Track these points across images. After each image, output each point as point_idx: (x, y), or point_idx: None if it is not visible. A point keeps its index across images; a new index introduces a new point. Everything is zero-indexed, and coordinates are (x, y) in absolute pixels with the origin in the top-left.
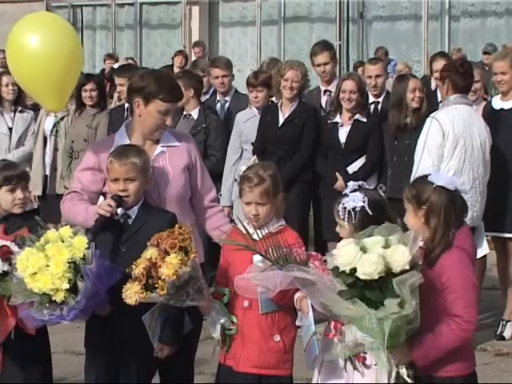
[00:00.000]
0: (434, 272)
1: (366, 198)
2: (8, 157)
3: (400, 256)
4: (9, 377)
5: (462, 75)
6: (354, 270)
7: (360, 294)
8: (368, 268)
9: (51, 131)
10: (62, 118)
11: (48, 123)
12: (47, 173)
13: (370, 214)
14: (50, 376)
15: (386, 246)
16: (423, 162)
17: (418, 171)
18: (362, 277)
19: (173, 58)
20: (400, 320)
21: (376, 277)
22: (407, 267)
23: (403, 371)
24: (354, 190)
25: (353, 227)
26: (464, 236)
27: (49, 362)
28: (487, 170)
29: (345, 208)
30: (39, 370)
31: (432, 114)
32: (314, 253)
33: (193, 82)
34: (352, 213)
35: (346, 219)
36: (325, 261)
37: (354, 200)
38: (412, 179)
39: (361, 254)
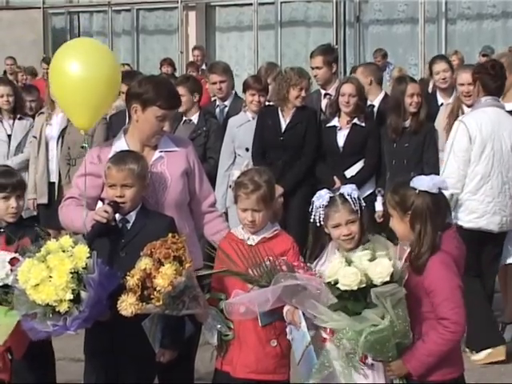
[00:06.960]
0: (421, 278)
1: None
2: (7, 163)
3: (380, 268)
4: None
5: (492, 77)
6: (337, 281)
7: (343, 306)
8: (347, 279)
9: (58, 137)
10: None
11: (50, 130)
12: (53, 180)
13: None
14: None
15: (373, 259)
16: (449, 167)
17: (443, 176)
18: (342, 288)
19: (160, 68)
20: (378, 333)
21: (355, 288)
22: (387, 279)
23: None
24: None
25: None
26: (449, 238)
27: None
28: None
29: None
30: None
31: (460, 118)
32: (295, 263)
33: (197, 87)
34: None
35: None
36: (310, 268)
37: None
38: None
39: (343, 267)
